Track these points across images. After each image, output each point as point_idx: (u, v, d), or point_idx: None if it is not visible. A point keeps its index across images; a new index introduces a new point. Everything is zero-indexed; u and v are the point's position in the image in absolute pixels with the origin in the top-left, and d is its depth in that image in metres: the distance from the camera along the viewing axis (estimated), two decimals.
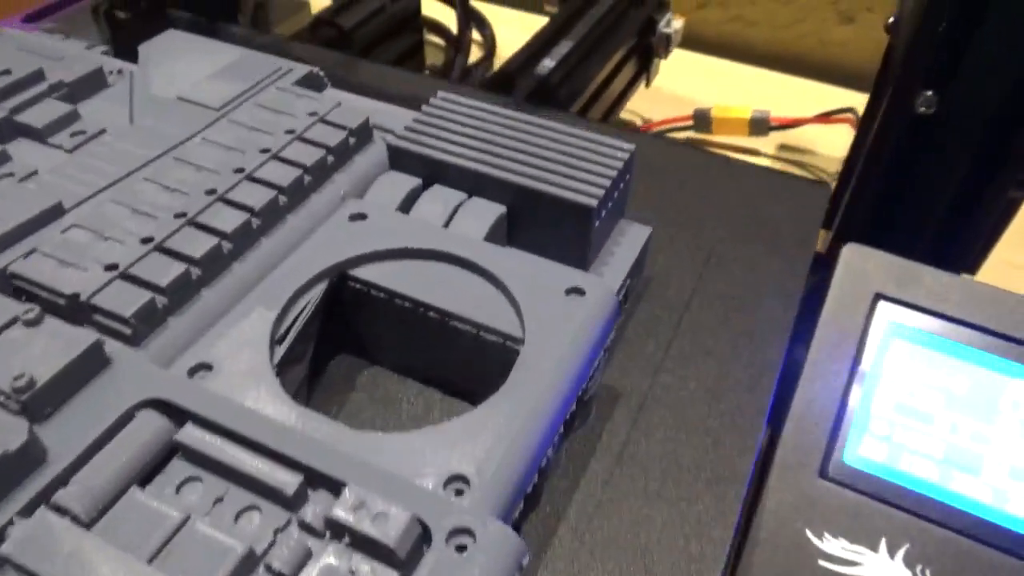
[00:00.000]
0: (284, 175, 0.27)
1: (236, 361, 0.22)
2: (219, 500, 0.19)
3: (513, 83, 0.55)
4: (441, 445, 0.20)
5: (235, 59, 0.33)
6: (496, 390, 0.22)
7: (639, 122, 0.73)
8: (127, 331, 0.22)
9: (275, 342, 0.23)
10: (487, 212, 0.28)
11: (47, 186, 0.26)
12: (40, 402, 0.19)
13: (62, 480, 0.18)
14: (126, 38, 0.55)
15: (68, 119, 0.30)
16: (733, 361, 0.29)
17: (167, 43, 0.34)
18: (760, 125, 0.70)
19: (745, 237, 0.35)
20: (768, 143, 0.72)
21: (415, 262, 0.26)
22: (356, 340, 0.28)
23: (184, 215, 0.25)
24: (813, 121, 0.68)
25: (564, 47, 0.57)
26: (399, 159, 0.29)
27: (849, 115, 0.65)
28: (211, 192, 0.26)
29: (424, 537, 0.18)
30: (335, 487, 0.18)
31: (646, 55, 0.66)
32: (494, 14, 0.84)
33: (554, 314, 0.24)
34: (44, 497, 0.18)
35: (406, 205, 0.28)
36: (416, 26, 0.78)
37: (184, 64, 0.33)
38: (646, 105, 0.73)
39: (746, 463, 0.26)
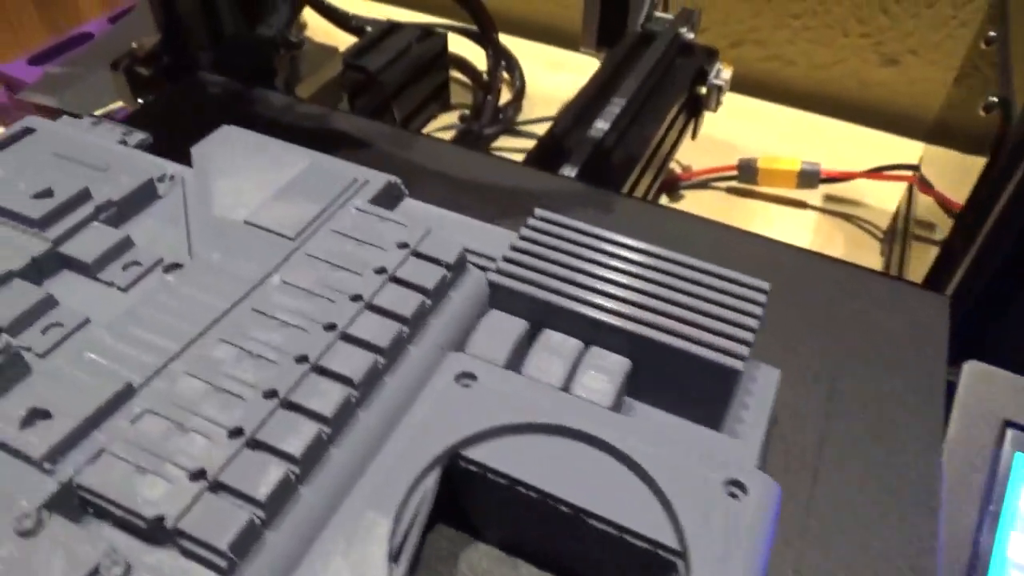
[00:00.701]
0: (382, 332, 0.23)
1: None
2: None
3: (563, 147, 0.51)
4: None
5: (304, 168, 0.29)
6: None
7: (679, 169, 0.69)
8: (222, 564, 0.18)
9: (391, 558, 0.20)
10: (613, 369, 0.24)
11: (108, 352, 0.22)
12: None
13: None
14: (145, 94, 0.51)
15: (120, 248, 0.26)
16: (883, 532, 0.26)
17: (223, 144, 0.30)
18: (810, 178, 0.66)
19: (865, 359, 0.31)
20: (815, 194, 0.69)
21: (538, 437, 0.23)
22: (460, 515, 0.24)
23: (275, 394, 0.21)
24: (867, 176, 0.65)
25: (616, 106, 0.53)
26: (503, 298, 0.26)
27: (908, 173, 0.62)
28: (302, 359, 0.22)
29: None
30: None
31: (695, 107, 0.63)
32: (520, 47, 0.80)
33: (717, 523, 0.20)
34: None
35: (516, 357, 0.25)
36: (443, 64, 0.74)
37: (246, 174, 0.29)
38: (682, 149, 0.69)
39: None
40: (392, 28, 0.71)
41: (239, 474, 0.19)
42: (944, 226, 0.42)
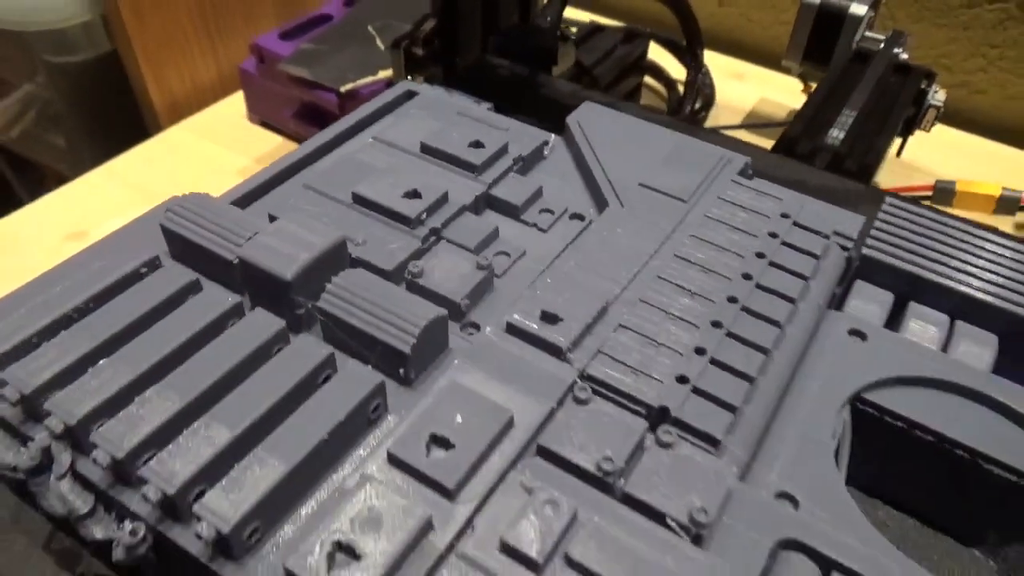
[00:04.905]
0: (790, 285, 0.27)
1: (816, 494, 0.22)
2: None
3: (796, 153, 0.54)
4: None
5: (675, 143, 0.33)
6: (1007, 533, 0.21)
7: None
8: (711, 450, 0.22)
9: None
10: (985, 340, 0.27)
11: (570, 281, 0.26)
12: (705, 534, 0.19)
13: None
14: (415, 72, 0.57)
15: (535, 196, 0.30)
16: None
17: (594, 119, 0.35)
18: (1009, 204, 0.67)
19: None
20: (1007, 222, 0.70)
21: (930, 392, 0.26)
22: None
23: (720, 326, 0.25)
24: None
25: (847, 117, 0.56)
26: (872, 270, 0.29)
27: None
28: (732, 300, 0.26)
29: None
30: None
31: (907, 127, 0.64)
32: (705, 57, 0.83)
33: None
34: None
35: (890, 321, 0.28)
36: (641, 67, 0.78)
37: (625, 144, 0.33)
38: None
39: None
40: (597, 28, 0.75)
41: (713, 384, 0.23)
42: None
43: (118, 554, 0.20)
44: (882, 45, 0.66)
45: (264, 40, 0.73)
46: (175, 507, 0.19)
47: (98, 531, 0.20)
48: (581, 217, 0.30)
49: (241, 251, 0.23)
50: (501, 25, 0.54)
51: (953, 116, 0.82)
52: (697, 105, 0.79)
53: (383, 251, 0.26)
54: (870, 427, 0.26)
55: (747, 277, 0.27)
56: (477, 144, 0.31)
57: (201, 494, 0.19)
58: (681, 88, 0.76)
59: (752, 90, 0.82)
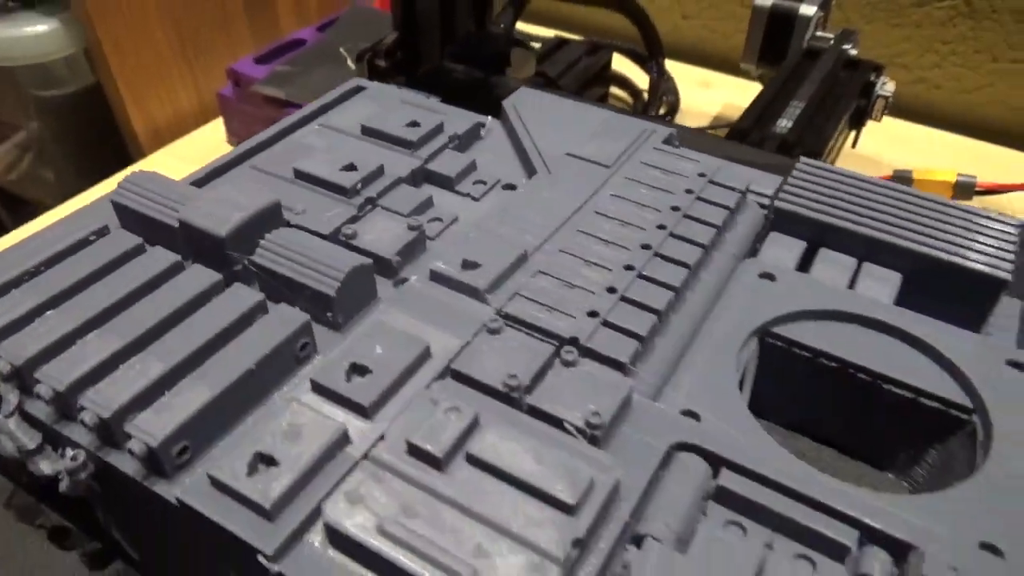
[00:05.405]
0: (702, 233, 0.29)
1: (720, 412, 0.23)
2: (769, 546, 0.20)
3: (747, 142, 0.56)
4: (967, 513, 0.21)
5: (601, 118, 0.35)
6: (912, 453, 0.23)
7: None
8: (621, 372, 0.24)
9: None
10: (888, 279, 0.29)
11: (492, 234, 0.28)
12: (604, 436, 0.21)
13: (636, 517, 0.20)
14: (380, 81, 0.59)
15: (469, 169, 0.32)
16: None
17: (528, 101, 0.37)
18: (965, 190, 0.69)
19: None
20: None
21: (833, 324, 0.27)
22: (753, 398, 0.29)
23: (632, 269, 0.27)
24: None
25: (795, 108, 0.59)
26: (784, 221, 0.31)
27: None
28: (646, 247, 0.28)
29: None
30: (896, 547, 0.19)
31: (858, 118, 0.67)
32: (672, 68, 0.86)
33: (1007, 390, 0.24)
34: (627, 535, 0.19)
35: (801, 266, 0.30)
36: (606, 78, 0.81)
37: (553, 121, 0.35)
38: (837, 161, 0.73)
39: None
40: (563, 42, 0.78)
41: (621, 317, 0.25)
42: None
43: (64, 486, 0.21)
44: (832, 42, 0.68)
45: (240, 65, 0.76)
46: (112, 432, 0.20)
47: (46, 467, 0.22)
48: (513, 187, 0.32)
49: (180, 214, 0.25)
50: (458, 34, 0.56)
51: (913, 112, 0.85)
52: (662, 111, 0.82)
53: (320, 218, 0.28)
54: (781, 360, 0.27)
55: (661, 227, 0.29)
56: (414, 124, 0.33)
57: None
58: (646, 96, 0.78)
59: (718, 97, 0.85)
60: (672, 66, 0.93)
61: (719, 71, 0.88)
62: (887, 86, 0.67)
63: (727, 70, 0.87)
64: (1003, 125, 0.82)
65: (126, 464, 0.20)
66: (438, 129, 0.33)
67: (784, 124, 0.57)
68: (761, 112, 0.60)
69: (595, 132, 0.34)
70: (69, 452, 0.21)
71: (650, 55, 0.79)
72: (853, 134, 0.70)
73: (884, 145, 0.78)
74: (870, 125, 0.73)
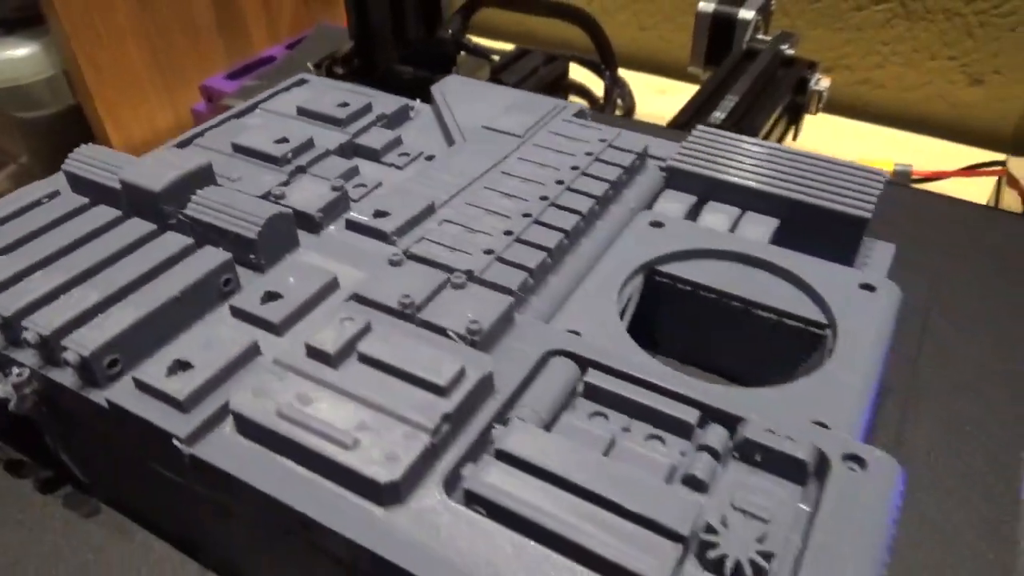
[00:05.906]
0: (596, 187, 0.32)
1: (599, 331, 0.26)
2: (626, 430, 0.23)
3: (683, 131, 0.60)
4: (802, 400, 0.24)
5: (518, 98, 0.39)
6: (785, 371, 0.26)
7: None
8: (512, 299, 0.27)
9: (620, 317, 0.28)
10: (765, 222, 0.32)
11: (411, 192, 0.32)
12: (484, 342, 0.24)
13: (508, 406, 0.23)
14: None
15: (394, 143, 0.36)
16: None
17: (454, 86, 0.40)
18: (902, 178, 0.73)
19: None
20: None
21: (713, 262, 0.31)
22: (646, 333, 0.32)
23: (529, 216, 0.30)
24: (957, 175, 0.71)
25: (730, 101, 0.62)
26: (677, 178, 0.34)
27: (998, 168, 0.68)
28: (544, 198, 0.31)
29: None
30: (729, 421, 0.22)
31: (796, 112, 0.71)
32: (629, 76, 0.90)
33: (856, 307, 0.28)
34: (498, 418, 0.22)
35: (691, 217, 0.33)
36: (564, 86, 0.85)
37: (474, 102, 0.39)
38: None
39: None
40: (522, 53, 0.83)
41: (514, 255, 0.28)
42: None
43: (13, 404, 0.24)
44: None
45: (212, 81, 0.79)
46: (52, 350, 0.23)
47: None
48: (434, 158, 0.35)
49: (121, 174, 0.28)
50: (410, 41, 0.60)
51: (858, 111, 0.89)
52: (618, 114, 0.86)
53: (253, 183, 0.32)
54: (668, 295, 0.30)
55: (559, 183, 0.32)
56: (344, 104, 0.37)
57: None
58: (602, 102, 0.82)
59: (674, 103, 0.88)
60: (631, 75, 0.97)
61: (674, 79, 0.93)
62: (822, 82, 0.71)
63: (682, 78, 0.91)
64: (941, 120, 0.86)
65: (65, 378, 0.23)
66: (367, 109, 0.37)
67: (718, 116, 0.60)
68: (699, 106, 0.64)
69: (509, 108, 0.38)
70: (15, 371, 0.24)
71: (604, 62, 0.83)
72: (794, 130, 0.74)
73: (827, 139, 0.81)
74: (814, 120, 0.78)
